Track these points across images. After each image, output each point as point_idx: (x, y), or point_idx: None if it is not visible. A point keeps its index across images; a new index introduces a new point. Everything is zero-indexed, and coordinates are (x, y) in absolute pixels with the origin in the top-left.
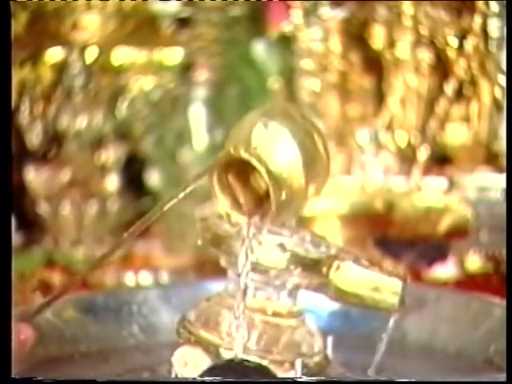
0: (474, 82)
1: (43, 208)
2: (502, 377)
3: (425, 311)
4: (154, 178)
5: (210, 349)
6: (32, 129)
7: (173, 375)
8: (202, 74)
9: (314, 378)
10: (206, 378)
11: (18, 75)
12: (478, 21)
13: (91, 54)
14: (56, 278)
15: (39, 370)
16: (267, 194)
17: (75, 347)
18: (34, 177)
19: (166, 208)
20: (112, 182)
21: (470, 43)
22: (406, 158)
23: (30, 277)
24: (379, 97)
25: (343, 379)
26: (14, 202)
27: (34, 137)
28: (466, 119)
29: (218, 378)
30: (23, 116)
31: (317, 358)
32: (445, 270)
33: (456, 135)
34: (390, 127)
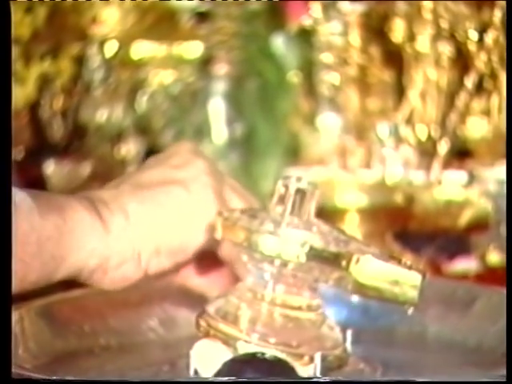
0: (494, 76)
1: None
2: (502, 377)
3: (445, 305)
4: None
5: (229, 342)
6: (52, 123)
7: (192, 369)
8: (221, 68)
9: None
10: (210, 378)
11: (38, 69)
12: (498, 14)
13: (111, 48)
14: None
15: (58, 364)
16: None
17: (95, 340)
18: (54, 171)
19: None
20: None
21: (490, 36)
22: (426, 151)
23: None
24: (399, 90)
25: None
26: None
27: (55, 131)
28: (487, 113)
29: (223, 379)
30: (43, 110)
31: (336, 352)
32: (465, 264)
33: (476, 129)
34: (410, 121)
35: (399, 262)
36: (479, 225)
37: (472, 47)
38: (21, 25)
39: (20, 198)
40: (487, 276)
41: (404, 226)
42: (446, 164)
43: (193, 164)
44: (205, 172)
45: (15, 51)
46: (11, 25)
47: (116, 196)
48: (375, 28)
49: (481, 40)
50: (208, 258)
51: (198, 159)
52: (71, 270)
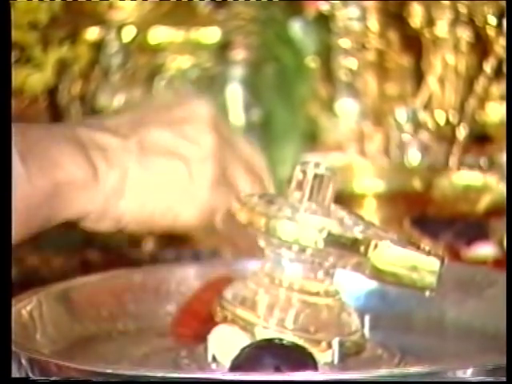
0: None
1: None
2: (502, 377)
3: (463, 290)
4: None
5: (247, 327)
6: (70, 108)
7: (209, 354)
8: (239, 54)
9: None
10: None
11: (56, 54)
12: None
13: (129, 33)
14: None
15: (76, 349)
16: None
17: (112, 325)
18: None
19: None
20: None
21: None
22: (445, 136)
23: (72, 255)
24: (417, 76)
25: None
26: None
27: (73, 116)
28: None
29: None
30: (61, 95)
31: (354, 338)
32: (484, 249)
33: (495, 114)
34: (428, 106)
35: (417, 247)
36: (498, 210)
37: (491, 32)
38: (38, 10)
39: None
40: (506, 261)
41: (422, 212)
42: (465, 149)
43: (203, 141)
44: (212, 153)
45: (34, 36)
46: (11, 25)
47: (121, 149)
48: (393, 13)
49: (499, 25)
50: None
51: (211, 134)
52: (56, 224)
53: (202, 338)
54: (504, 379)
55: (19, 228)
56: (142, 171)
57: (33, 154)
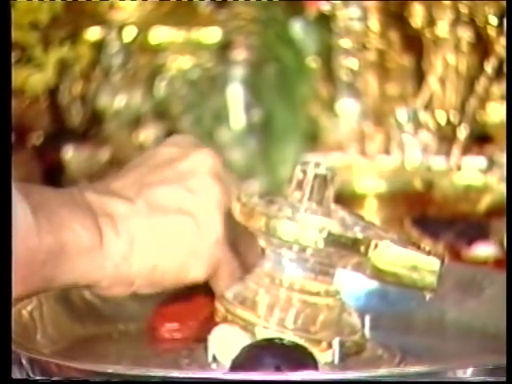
0: None
1: None
2: (502, 377)
3: (463, 291)
4: None
5: (247, 327)
6: (71, 108)
7: (210, 355)
8: (239, 54)
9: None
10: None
11: (57, 54)
12: None
13: (129, 33)
14: None
15: (77, 349)
16: None
17: (113, 326)
18: (73, 156)
19: None
20: None
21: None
22: (446, 136)
23: None
24: (418, 76)
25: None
26: (53, 182)
27: (73, 116)
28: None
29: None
30: (62, 95)
31: (354, 338)
32: (484, 249)
33: (496, 114)
34: (429, 106)
35: (418, 247)
36: (498, 210)
37: (492, 32)
38: (39, 10)
39: (21, 212)
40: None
41: (423, 212)
42: (466, 149)
43: (209, 193)
44: (219, 204)
45: (34, 36)
46: (11, 25)
47: (129, 215)
48: (394, 13)
49: (500, 25)
50: None
51: (216, 186)
52: (59, 287)
53: (177, 339)
54: (504, 379)
55: (20, 282)
56: (151, 232)
57: (43, 212)
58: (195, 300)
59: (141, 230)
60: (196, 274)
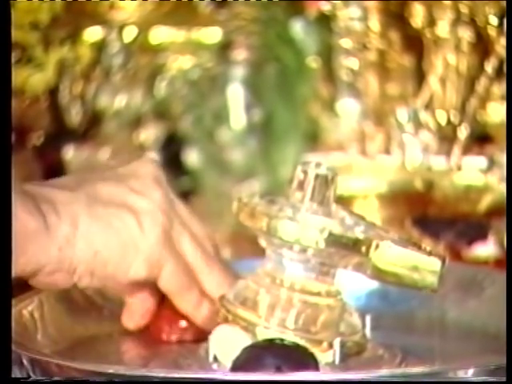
0: None
1: None
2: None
3: (464, 291)
4: (192, 156)
5: (248, 328)
6: (71, 108)
7: (211, 355)
8: (240, 54)
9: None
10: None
11: (57, 55)
12: None
13: (130, 33)
14: None
15: (78, 349)
16: None
17: (114, 326)
18: (73, 156)
19: None
20: None
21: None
22: (446, 136)
23: None
24: (419, 76)
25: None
26: None
27: (73, 116)
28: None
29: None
30: (62, 95)
31: (355, 338)
32: (485, 249)
33: (496, 114)
34: (429, 106)
35: (419, 247)
36: (499, 210)
37: (492, 32)
38: (40, 10)
39: None
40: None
41: (423, 212)
42: (466, 149)
43: (151, 195)
44: (160, 208)
45: (35, 36)
46: (11, 25)
47: (70, 201)
48: (395, 13)
49: (501, 25)
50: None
51: (157, 190)
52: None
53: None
54: (504, 379)
55: None
56: (93, 220)
57: None
58: None
59: (82, 216)
60: (136, 270)
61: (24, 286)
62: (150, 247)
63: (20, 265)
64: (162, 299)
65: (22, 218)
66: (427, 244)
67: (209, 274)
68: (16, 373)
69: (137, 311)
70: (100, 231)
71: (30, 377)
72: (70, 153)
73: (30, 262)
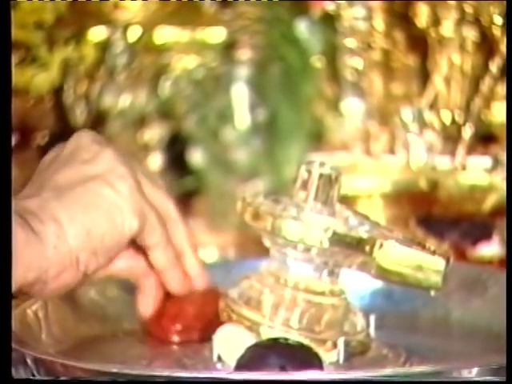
0: None
1: None
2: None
3: (468, 290)
4: (196, 156)
5: (252, 327)
6: (75, 107)
7: (215, 354)
8: (244, 53)
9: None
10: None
11: (61, 54)
12: None
13: (134, 33)
14: None
15: (82, 349)
16: None
17: (119, 325)
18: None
19: None
20: (155, 161)
21: None
22: (451, 136)
23: None
24: (423, 75)
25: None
26: None
27: (78, 115)
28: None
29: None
30: (67, 95)
31: (359, 337)
32: (489, 249)
33: (501, 113)
34: (434, 106)
35: (423, 247)
36: (503, 210)
37: (496, 32)
38: (44, 10)
39: None
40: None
41: (428, 211)
42: (471, 149)
43: (102, 155)
44: (117, 161)
45: (39, 36)
46: (11, 25)
47: (42, 204)
48: (399, 12)
49: (505, 24)
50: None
51: (105, 149)
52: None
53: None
54: (504, 379)
55: None
56: (70, 206)
57: None
58: (199, 299)
59: (59, 208)
60: (129, 225)
61: None
62: (128, 200)
63: (20, 274)
64: (166, 299)
65: (12, 229)
66: (431, 243)
67: (179, 224)
68: (20, 372)
69: (150, 294)
70: (80, 212)
71: (31, 377)
72: None
73: (30, 269)
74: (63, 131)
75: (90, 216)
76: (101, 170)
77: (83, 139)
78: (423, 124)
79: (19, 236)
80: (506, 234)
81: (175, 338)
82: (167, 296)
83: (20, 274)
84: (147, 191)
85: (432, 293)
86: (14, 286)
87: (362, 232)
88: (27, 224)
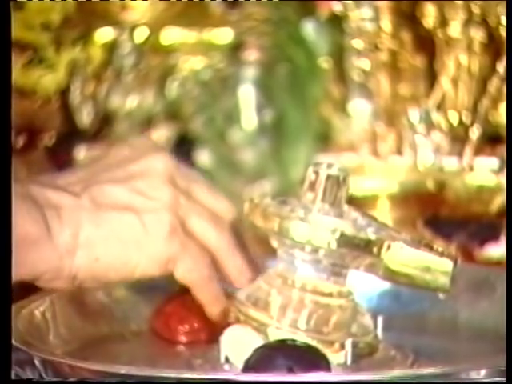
0: None
1: None
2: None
3: (476, 291)
4: (203, 157)
5: (260, 328)
6: (83, 108)
7: (222, 356)
8: (251, 54)
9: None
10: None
11: (69, 55)
12: None
13: (141, 34)
14: None
15: (89, 349)
16: None
17: (126, 326)
18: (85, 156)
19: None
20: None
21: None
22: (458, 137)
23: None
24: (431, 76)
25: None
26: None
27: (85, 116)
28: None
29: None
30: (74, 96)
31: (367, 339)
32: (497, 250)
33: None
34: (441, 107)
35: (430, 248)
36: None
37: (504, 32)
38: (51, 11)
39: None
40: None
41: (435, 213)
42: (478, 150)
43: (156, 195)
44: (167, 206)
45: (46, 37)
46: (11, 25)
47: (74, 207)
48: (406, 13)
49: (506, 24)
50: None
51: (166, 189)
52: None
53: (178, 340)
54: (504, 380)
55: None
56: (95, 227)
57: None
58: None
59: (85, 224)
60: (145, 269)
61: (26, 288)
62: (155, 245)
63: (19, 272)
64: (173, 300)
65: (25, 226)
66: (439, 245)
67: (231, 257)
68: (28, 373)
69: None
70: (101, 238)
71: (32, 378)
72: (81, 153)
73: (30, 269)
74: (70, 132)
75: (108, 245)
76: (143, 207)
77: (157, 167)
78: (430, 125)
79: (33, 233)
80: (506, 234)
81: (183, 339)
82: (175, 296)
83: (20, 271)
84: (194, 225)
85: (441, 296)
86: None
87: (370, 233)
88: (44, 221)
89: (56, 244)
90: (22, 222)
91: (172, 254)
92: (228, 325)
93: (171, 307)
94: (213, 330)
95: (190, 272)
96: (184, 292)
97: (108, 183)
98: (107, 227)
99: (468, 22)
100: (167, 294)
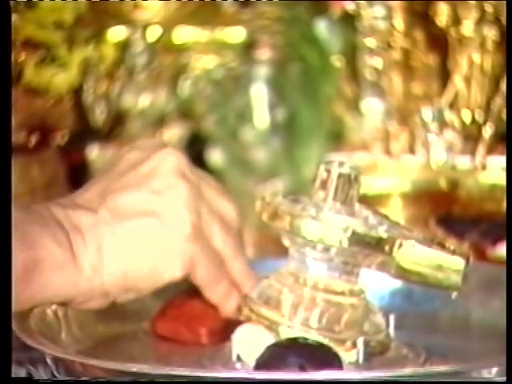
0: None
1: None
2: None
3: (488, 290)
4: (215, 156)
5: (271, 327)
6: (95, 107)
7: (234, 354)
8: (264, 53)
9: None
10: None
11: (81, 54)
12: None
13: (153, 33)
14: None
15: (101, 348)
16: None
17: (138, 325)
18: (98, 155)
19: None
20: None
21: None
22: (471, 136)
23: None
24: (443, 75)
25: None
26: (77, 181)
27: (98, 115)
28: None
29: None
30: (87, 94)
31: (379, 337)
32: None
33: None
34: (454, 105)
35: (442, 246)
36: None
37: None
38: (64, 10)
39: None
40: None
41: (448, 211)
42: (491, 148)
43: (174, 192)
44: (186, 204)
45: (59, 36)
46: (11, 25)
47: (94, 225)
48: (419, 12)
49: (506, 25)
50: None
51: (181, 185)
52: (33, 305)
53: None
54: (504, 379)
55: None
56: (117, 240)
57: (16, 231)
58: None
59: (107, 238)
60: (172, 273)
61: None
62: (180, 246)
63: (46, 297)
64: (181, 304)
65: (51, 249)
66: (451, 243)
67: (236, 260)
68: (40, 372)
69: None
70: (126, 249)
71: (32, 377)
72: (94, 152)
73: (57, 294)
74: (83, 131)
75: (134, 256)
76: (164, 208)
77: (167, 164)
78: (443, 123)
79: (57, 260)
80: (506, 234)
81: (189, 342)
82: (179, 299)
83: (48, 296)
84: (210, 232)
85: (453, 295)
86: (31, 303)
87: (382, 232)
88: (68, 241)
89: (82, 267)
90: (48, 246)
91: (195, 253)
92: (240, 323)
93: (178, 311)
94: (219, 334)
95: (207, 271)
96: (187, 294)
97: (122, 191)
98: (129, 237)
99: (481, 20)
100: (179, 292)
